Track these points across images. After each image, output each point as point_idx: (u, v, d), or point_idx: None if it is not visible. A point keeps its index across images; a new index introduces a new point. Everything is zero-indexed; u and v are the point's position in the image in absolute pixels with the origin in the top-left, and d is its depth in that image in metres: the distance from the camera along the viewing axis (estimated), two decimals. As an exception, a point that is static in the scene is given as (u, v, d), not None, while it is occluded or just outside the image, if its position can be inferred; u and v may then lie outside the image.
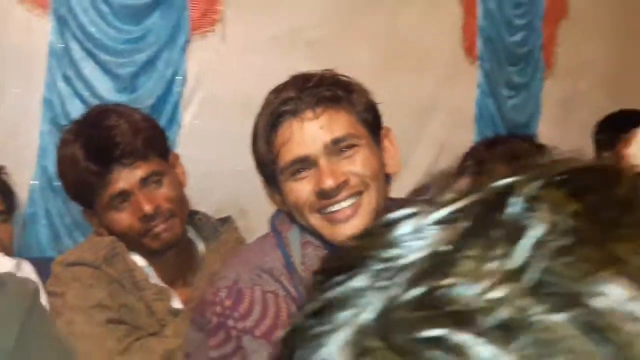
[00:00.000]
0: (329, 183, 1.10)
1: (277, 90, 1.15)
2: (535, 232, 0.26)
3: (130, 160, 1.35)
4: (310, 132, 1.11)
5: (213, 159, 2.33)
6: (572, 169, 0.29)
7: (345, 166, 1.12)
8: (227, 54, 2.42)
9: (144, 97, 2.23)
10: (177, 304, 1.43)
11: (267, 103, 1.15)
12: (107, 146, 1.34)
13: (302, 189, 1.13)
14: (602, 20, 2.99)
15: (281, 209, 1.21)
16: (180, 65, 2.36)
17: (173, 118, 2.31)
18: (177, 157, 1.51)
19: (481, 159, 1.91)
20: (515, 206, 0.27)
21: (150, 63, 2.30)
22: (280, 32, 2.49)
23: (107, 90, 2.23)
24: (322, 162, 1.11)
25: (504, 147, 1.97)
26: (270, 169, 1.15)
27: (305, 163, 1.12)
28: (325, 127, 1.12)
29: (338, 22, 2.58)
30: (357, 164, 1.13)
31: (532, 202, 0.27)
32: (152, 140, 1.40)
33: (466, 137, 2.40)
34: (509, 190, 0.28)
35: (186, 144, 2.22)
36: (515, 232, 0.27)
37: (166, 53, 2.33)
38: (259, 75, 2.45)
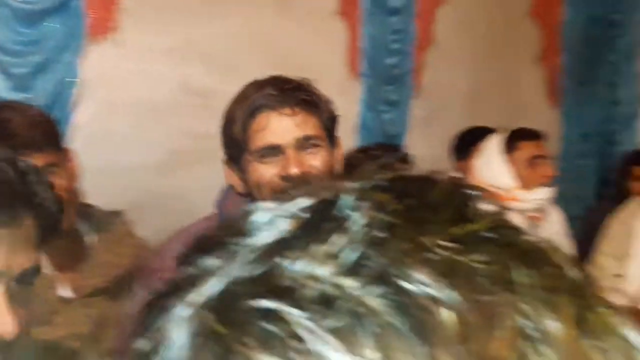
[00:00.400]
0: (294, 170, 1.20)
1: (258, 86, 1.24)
2: (356, 223, 0.29)
3: (27, 152, 1.32)
4: (285, 126, 1.21)
5: (106, 157, 2.33)
6: (398, 177, 0.33)
7: (309, 160, 1.23)
8: (122, 60, 2.41)
9: (39, 97, 2.20)
10: (66, 292, 1.43)
11: (246, 94, 1.24)
12: (2, 138, 1.32)
13: (266, 171, 1.23)
14: (463, 49, 3.23)
15: (232, 185, 1.30)
16: (75, 69, 2.34)
17: (66, 118, 2.29)
18: (70, 151, 1.51)
19: (356, 163, 2.08)
20: (346, 203, 0.30)
21: (45, 65, 2.27)
22: (176, 44, 2.51)
23: (2, 89, 2.19)
24: (290, 152, 1.21)
25: (375, 154, 2.17)
26: (240, 149, 1.24)
27: (274, 151, 1.22)
28: (299, 124, 1.22)
29: (231, 36, 2.63)
30: (318, 161, 1.24)
31: (360, 201, 0.30)
32: (47, 133, 1.39)
33: (349, 145, 2.53)
34: (344, 191, 0.31)
35: (79, 143, 2.21)
36: (341, 224, 0.29)
37: (62, 56, 2.30)
38: (153, 83, 2.47)
